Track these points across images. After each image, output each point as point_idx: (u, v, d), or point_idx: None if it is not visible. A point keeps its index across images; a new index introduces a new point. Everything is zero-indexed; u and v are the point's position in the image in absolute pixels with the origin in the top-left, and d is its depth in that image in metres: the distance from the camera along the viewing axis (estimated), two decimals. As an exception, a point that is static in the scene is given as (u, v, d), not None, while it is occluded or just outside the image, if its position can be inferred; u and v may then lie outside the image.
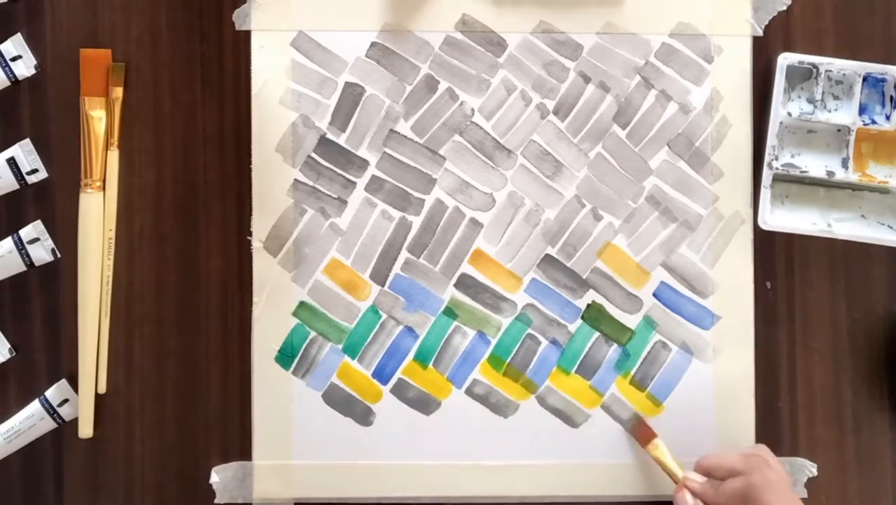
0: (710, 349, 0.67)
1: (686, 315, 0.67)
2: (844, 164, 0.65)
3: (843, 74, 0.65)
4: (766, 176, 0.65)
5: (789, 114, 0.65)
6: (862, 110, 0.65)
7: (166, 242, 0.67)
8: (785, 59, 0.65)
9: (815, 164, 0.66)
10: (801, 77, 0.66)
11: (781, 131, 0.65)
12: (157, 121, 0.67)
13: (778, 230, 0.65)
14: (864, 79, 0.65)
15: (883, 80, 0.65)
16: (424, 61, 0.67)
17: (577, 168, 0.67)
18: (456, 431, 0.67)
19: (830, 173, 0.65)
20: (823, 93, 0.65)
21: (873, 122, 0.65)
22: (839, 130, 0.66)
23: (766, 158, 0.65)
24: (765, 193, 0.65)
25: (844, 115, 0.65)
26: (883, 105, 0.65)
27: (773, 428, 0.67)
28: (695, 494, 0.61)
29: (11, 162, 0.66)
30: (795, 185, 0.67)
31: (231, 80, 0.67)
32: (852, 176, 0.65)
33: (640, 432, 0.65)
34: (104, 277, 0.66)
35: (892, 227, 0.66)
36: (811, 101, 0.66)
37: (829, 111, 0.66)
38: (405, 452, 0.67)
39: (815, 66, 0.65)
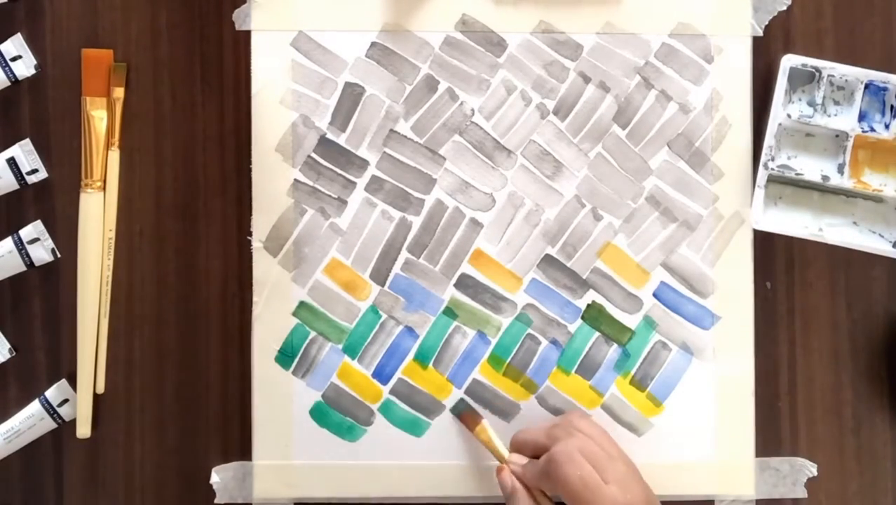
0: (710, 349, 0.67)
1: (686, 315, 0.67)
2: (840, 169, 0.65)
3: (846, 80, 0.65)
4: (762, 176, 0.65)
5: (789, 115, 0.65)
6: (861, 117, 0.65)
7: (166, 242, 0.67)
8: (788, 61, 0.65)
9: (810, 168, 0.66)
10: (803, 80, 0.66)
11: (780, 132, 0.65)
12: (157, 121, 0.67)
13: (769, 230, 0.65)
14: (866, 86, 0.65)
15: (885, 89, 0.65)
16: (424, 61, 0.67)
17: (577, 168, 0.67)
18: (456, 431, 0.67)
19: (825, 178, 0.65)
20: (825, 97, 0.65)
21: (872, 129, 0.65)
22: (837, 136, 0.65)
23: (763, 158, 0.65)
24: (758, 193, 0.65)
25: (844, 120, 0.65)
26: (883, 113, 0.65)
27: (772, 428, 0.67)
28: (516, 475, 0.62)
29: (11, 162, 0.66)
30: (790, 187, 0.67)
31: (231, 80, 0.67)
32: (847, 182, 0.65)
33: (467, 417, 0.66)
34: (104, 277, 0.66)
35: (882, 236, 0.65)
36: (812, 104, 0.65)
37: (829, 116, 0.66)
38: (405, 452, 0.67)
39: (818, 69, 0.65)
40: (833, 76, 0.65)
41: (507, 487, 0.62)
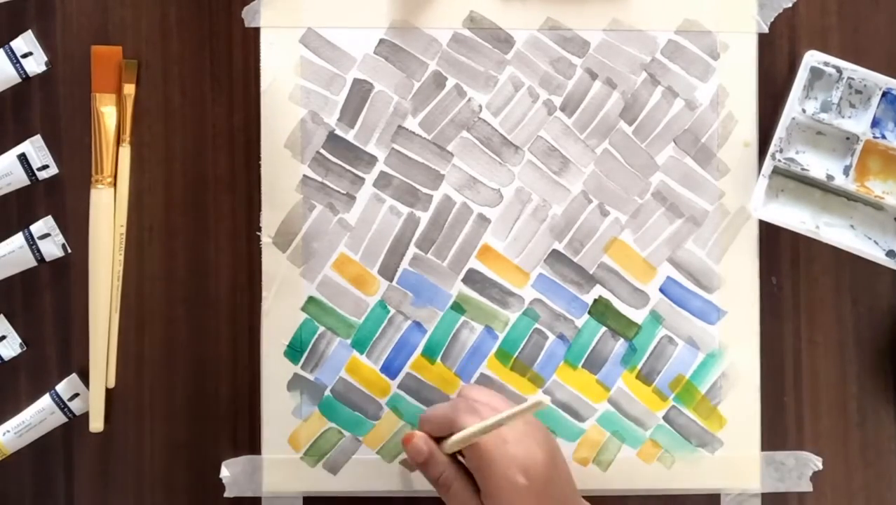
0: (715, 344, 0.67)
1: (692, 310, 0.68)
2: (846, 171, 0.65)
3: (865, 84, 0.65)
4: (767, 165, 0.65)
5: (803, 110, 0.65)
6: (875, 123, 0.65)
7: (176, 238, 0.67)
8: (811, 57, 0.65)
9: (817, 166, 0.66)
10: (818, 76, 0.66)
11: (792, 126, 0.65)
12: (166, 117, 0.67)
13: (767, 220, 0.66)
14: (884, 93, 0.65)
15: None
16: (432, 58, 0.67)
17: (584, 164, 0.68)
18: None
19: (830, 177, 0.65)
20: (841, 98, 0.65)
21: (883, 136, 0.65)
22: (848, 138, 0.65)
23: (771, 149, 0.65)
24: (762, 182, 0.65)
25: (857, 124, 0.65)
26: None
27: (778, 422, 0.68)
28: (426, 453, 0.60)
29: (22, 158, 0.67)
30: (793, 181, 0.67)
31: (240, 77, 0.67)
32: (851, 185, 0.65)
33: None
34: (114, 272, 0.67)
35: (877, 243, 0.66)
36: (827, 103, 0.65)
37: (843, 117, 0.66)
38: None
39: (839, 69, 0.65)
40: (853, 79, 0.65)
41: (422, 453, 0.60)
